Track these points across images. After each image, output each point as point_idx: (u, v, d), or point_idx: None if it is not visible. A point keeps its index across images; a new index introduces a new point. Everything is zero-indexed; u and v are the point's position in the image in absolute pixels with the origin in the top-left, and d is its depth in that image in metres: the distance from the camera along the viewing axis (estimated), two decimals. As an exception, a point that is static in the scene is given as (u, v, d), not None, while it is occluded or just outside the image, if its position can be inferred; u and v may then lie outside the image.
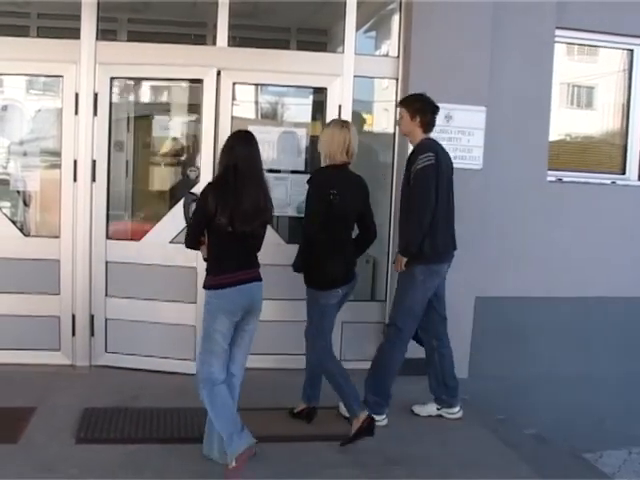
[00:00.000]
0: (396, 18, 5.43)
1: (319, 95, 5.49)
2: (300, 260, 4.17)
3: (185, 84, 5.54)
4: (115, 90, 5.18)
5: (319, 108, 5.37)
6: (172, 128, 5.73)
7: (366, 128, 5.98)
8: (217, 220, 3.48)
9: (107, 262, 5.12)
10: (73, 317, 5.14)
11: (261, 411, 4.36)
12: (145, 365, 5.07)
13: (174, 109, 5.89)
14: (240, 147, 3.61)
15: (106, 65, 5.01)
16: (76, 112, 5.02)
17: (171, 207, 5.16)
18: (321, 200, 4.04)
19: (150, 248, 5.10)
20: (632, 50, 6.03)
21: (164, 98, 5.96)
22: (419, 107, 4.33)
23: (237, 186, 3.51)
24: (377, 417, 4.31)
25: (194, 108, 5.34)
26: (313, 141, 5.13)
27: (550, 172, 5.80)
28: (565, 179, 5.90)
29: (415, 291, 4.30)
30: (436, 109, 4.37)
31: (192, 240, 3.68)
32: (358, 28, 5.34)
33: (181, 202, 4.67)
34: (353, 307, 5.09)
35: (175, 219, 4.86)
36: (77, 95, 5.01)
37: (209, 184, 3.69)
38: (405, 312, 4.34)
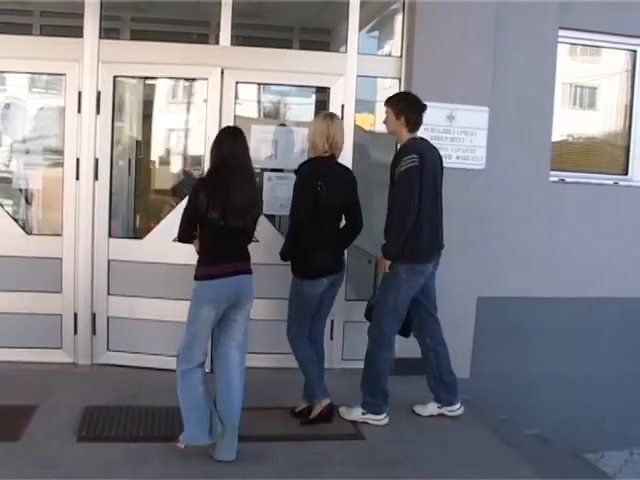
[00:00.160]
0: (399, 18, 5.43)
1: (322, 95, 5.49)
2: (287, 249, 4.27)
3: (188, 83, 5.54)
4: (118, 88, 5.19)
5: (322, 108, 5.37)
6: (175, 126, 5.73)
7: (369, 128, 5.97)
8: (209, 215, 3.61)
9: (109, 260, 5.12)
10: (75, 315, 5.15)
11: (262, 410, 4.37)
12: (147, 363, 5.07)
13: (177, 108, 5.89)
14: (228, 143, 3.77)
15: (109, 64, 5.01)
16: (79, 110, 5.02)
17: (174, 205, 5.15)
18: (308, 191, 4.12)
19: (153, 246, 5.10)
20: (635, 51, 6.03)
21: (167, 96, 5.96)
22: (403, 107, 4.30)
23: (227, 181, 3.64)
24: (377, 417, 4.36)
25: (197, 107, 5.33)
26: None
27: (552, 172, 5.80)
28: (567, 179, 5.89)
29: (398, 290, 4.29)
30: (422, 108, 4.34)
31: (185, 234, 3.83)
32: (361, 28, 5.34)
33: (184, 200, 4.66)
34: (355, 306, 5.11)
35: (178, 217, 4.84)
36: (80, 93, 5.01)
37: (200, 180, 3.88)
38: (388, 311, 4.33)
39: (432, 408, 4.58)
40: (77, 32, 4.99)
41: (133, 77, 5.53)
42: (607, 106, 6.29)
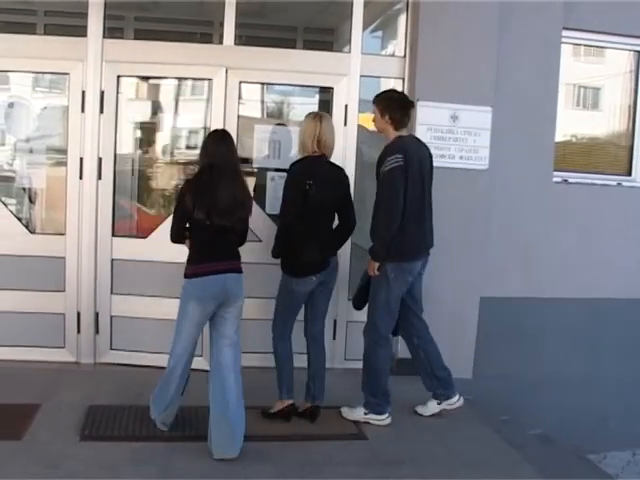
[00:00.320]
0: (403, 18, 5.43)
1: (325, 94, 5.49)
2: (277, 247, 4.28)
3: (192, 82, 5.54)
4: (121, 88, 5.19)
5: (325, 107, 5.36)
6: (179, 126, 5.73)
7: (372, 128, 5.97)
8: (195, 215, 3.74)
9: (112, 259, 5.13)
10: (78, 314, 5.15)
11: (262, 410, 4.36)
12: (150, 362, 5.05)
13: (181, 107, 5.89)
14: (214, 146, 3.91)
15: (113, 63, 5.02)
16: (82, 110, 5.03)
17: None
18: (297, 189, 4.15)
19: (156, 245, 5.10)
20: (639, 51, 6.03)
21: (171, 96, 5.96)
22: (387, 105, 4.29)
23: (213, 182, 3.75)
24: (380, 417, 4.37)
25: (201, 106, 5.34)
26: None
27: (556, 173, 5.79)
28: (571, 180, 5.88)
29: (388, 288, 4.28)
30: (407, 105, 4.32)
31: (176, 235, 3.96)
32: (365, 28, 5.34)
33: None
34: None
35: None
36: (84, 93, 5.02)
37: (186, 181, 4.01)
38: (381, 308, 4.33)
39: (433, 406, 4.57)
40: (81, 31, 5.00)
41: (137, 77, 5.53)
42: (611, 107, 6.28)
